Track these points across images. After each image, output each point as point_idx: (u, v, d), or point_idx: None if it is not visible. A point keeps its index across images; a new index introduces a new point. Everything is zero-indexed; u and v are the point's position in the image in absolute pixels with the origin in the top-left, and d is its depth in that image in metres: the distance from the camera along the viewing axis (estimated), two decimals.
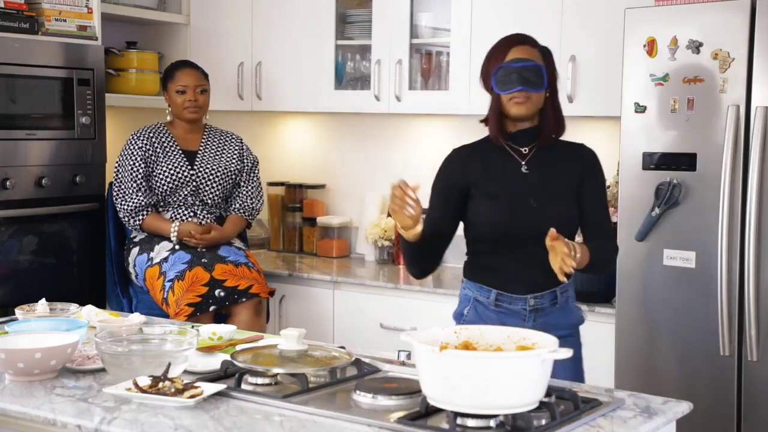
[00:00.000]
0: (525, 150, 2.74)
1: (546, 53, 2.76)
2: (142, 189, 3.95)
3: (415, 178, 4.49)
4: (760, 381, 3.17)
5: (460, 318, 2.81)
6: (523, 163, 2.73)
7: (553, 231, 2.46)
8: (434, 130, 4.58)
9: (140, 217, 3.97)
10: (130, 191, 3.95)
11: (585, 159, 2.79)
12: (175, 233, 3.93)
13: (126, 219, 4.00)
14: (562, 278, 2.47)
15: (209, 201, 4.04)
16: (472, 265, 2.82)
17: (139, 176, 3.95)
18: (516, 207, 2.69)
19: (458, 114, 4.21)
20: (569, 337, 2.71)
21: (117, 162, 4.01)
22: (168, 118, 4.09)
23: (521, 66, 2.65)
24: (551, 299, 2.72)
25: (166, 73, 4.09)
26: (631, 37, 3.30)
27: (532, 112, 2.69)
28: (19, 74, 3.91)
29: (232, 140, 4.16)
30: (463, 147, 2.84)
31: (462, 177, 2.76)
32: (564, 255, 2.44)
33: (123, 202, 3.97)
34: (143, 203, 3.95)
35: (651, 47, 3.26)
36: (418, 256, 2.74)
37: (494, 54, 2.74)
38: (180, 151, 4.02)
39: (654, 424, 2.00)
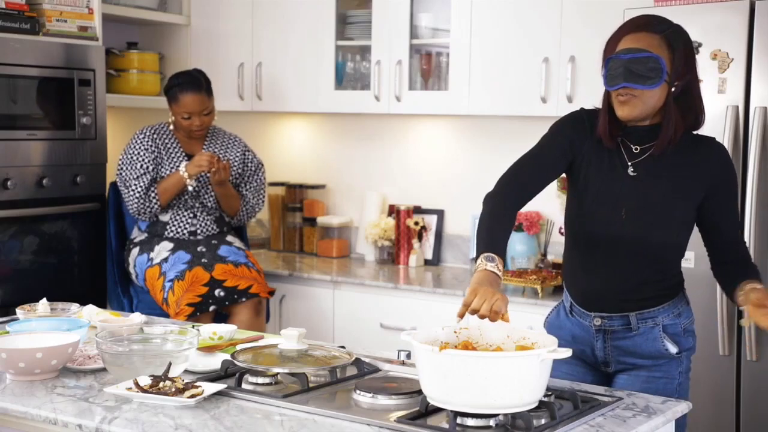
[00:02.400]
0: (637, 149, 2.34)
1: (674, 39, 2.29)
2: (149, 173, 3.94)
3: (415, 178, 4.48)
4: (758, 380, 3.18)
5: (547, 321, 2.57)
6: (630, 164, 2.35)
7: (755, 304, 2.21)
8: (434, 131, 4.58)
9: (153, 193, 3.93)
10: (138, 177, 3.92)
11: (713, 162, 2.35)
12: (185, 173, 3.90)
13: (140, 205, 3.93)
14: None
15: (209, 203, 4.04)
16: (564, 262, 2.53)
17: (146, 164, 3.93)
18: (603, 214, 2.35)
19: (458, 114, 4.22)
20: (652, 367, 2.40)
21: (120, 158, 4.00)
22: (171, 127, 4.07)
23: (630, 57, 2.24)
24: (623, 324, 2.38)
25: (170, 89, 4.00)
26: None
27: (642, 112, 2.29)
28: (20, 74, 3.91)
29: (236, 143, 4.15)
30: (590, 114, 2.42)
31: (573, 145, 2.39)
32: None
33: (133, 189, 3.92)
34: (150, 182, 3.93)
35: None
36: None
37: (609, 41, 2.34)
38: (183, 154, 4.02)
39: (653, 423, 2.00)
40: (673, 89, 2.29)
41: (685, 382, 2.44)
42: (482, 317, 2.03)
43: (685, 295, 2.47)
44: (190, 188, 3.93)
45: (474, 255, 4.33)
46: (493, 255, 2.17)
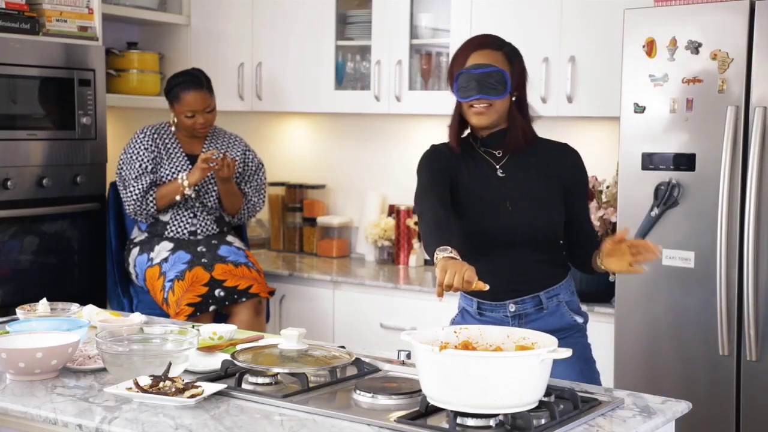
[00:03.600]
0: (499, 153, 2.64)
1: (512, 55, 2.62)
2: (148, 175, 3.94)
3: (415, 178, 4.51)
4: (758, 380, 3.18)
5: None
6: (497, 166, 2.64)
7: (624, 231, 2.47)
8: (434, 131, 4.56)
9: (151, 196, 3.94)
10: (136, 177, 3.93)
11: (569, 161, 2.68)
12: (185, 181, 3.90)
13: (136, 207, 3.94)
14: (638, 270, 2.45)
15: (209, 203, 4.05)
16: None
17: (145, 164, 3.94)
18: (491, 211, 2.60)
19: None
20: (564, 339, 2.59)
21: (121, 158, 4.01)
22: (173, 128, 4.07)
23: (481, 72, 2.53)
24: (535, 305, 2.63)
25: (171, 89, 4.00)
26: (631, 38, 3.31)
27: (494, 120, 2.58)
28: (20, 75, 3.92)
29: (236, 143, 4.15)
30: (442, 144, 2.73)
31: (448, 165, 2.65)
32: (645, 249, 2.42)
33: (131, 191, 3.93)
34: (149, 185, 3.94)
35: (650, 48, 3.27)
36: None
37: (457, 58, 2.61)
38: (183, 155, 4.02)
39: (653, 423, 2.00)
40: (513, 98, 2.60)
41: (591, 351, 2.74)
42: (456, 290, 2.18)
43: (572, 276, 2.73)
44: (188, 191, 3.92)
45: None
46: (445, 246, 2.32)
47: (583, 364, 2.64)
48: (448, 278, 2.18)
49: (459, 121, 2.66)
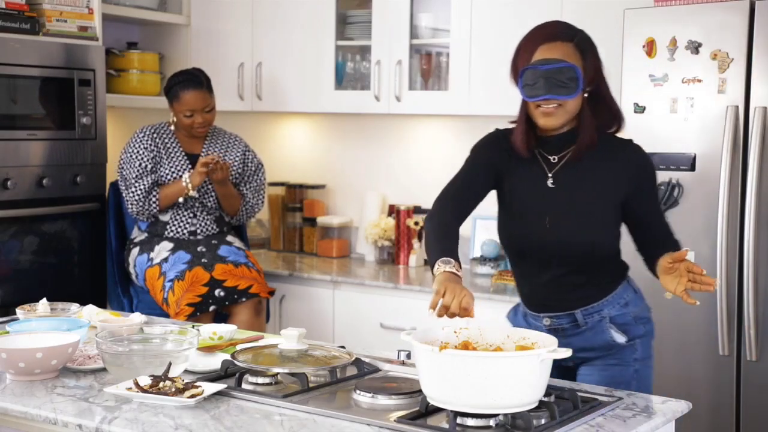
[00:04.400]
0: (554, 159, 2.41)
1: (584, 46, 2.35)
2: (149, 174, 3.94)
3: (415, 178, 4.47)
4: (758, 380, 3.18)
5: (507, 318, 2.65)
6: (549, 175, 2.41)
7: (684, 252, 2.24)
8: (434, 131, 4.59)
9: (154, 197, 3.93)
10: (138, 177, 3.93)
11: (632, 161, 2.42)
12: (189, 183, 3.90)
13: (139, 207, 3.93)
14: (691, 301, 2.24)
15: (209, 203, 4.04)
16: (512, 270, 2.61)
17: (145, 163, 3.94)
18: (529, 224, 2.42)
19: (458, 114, 4.22)
20: (606, 356, 2.46)
21: (121, 157, 4.01)
22: (172, 128, 4.07)
23: (549, 68, 2.28)
24: (571, 321, 2.46)
25: (171, 88, 4.00)
26: (631, 38, 3.31)
27: (564, 120, 2.35)
28: (20, 75, 3.92)
29: (236, 143, 4.15)
30: (504, 134, 2.48)
31: (494, 162, 2.46)
32: (702, 280, 2.21)
33: (133, 191, 3.93)
34: (152, 184, 3.94)
35: (650, 48, 3.27)
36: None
37: (521, 51, 2.37)
38: (183, 154, 4.02)
39: (653, 423, 2.00)
40: (585, 94, 2.35)
41: (644, 369, 2.49)
42: (452, 316, 2.08)
43: (631, 284, 2.52)
44: (192, 193, 3.92)
45: (472, 256, 4.35)
46: (449, 258, 2.22)
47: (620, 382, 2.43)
48: (446, 300, 2.08)
49: (526, 120, 2.39)
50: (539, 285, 2.47)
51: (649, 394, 2.43)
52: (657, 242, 2.42)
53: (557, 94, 2.29)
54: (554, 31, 2.36)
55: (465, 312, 2.08)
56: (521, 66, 2.34)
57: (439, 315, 2.09)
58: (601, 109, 2.41)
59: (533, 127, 2.40)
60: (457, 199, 2.44)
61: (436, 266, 2.22)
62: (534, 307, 2.51)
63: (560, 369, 2.48)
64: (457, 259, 2.24)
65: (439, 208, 2.42)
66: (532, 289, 2.51)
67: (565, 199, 2.39)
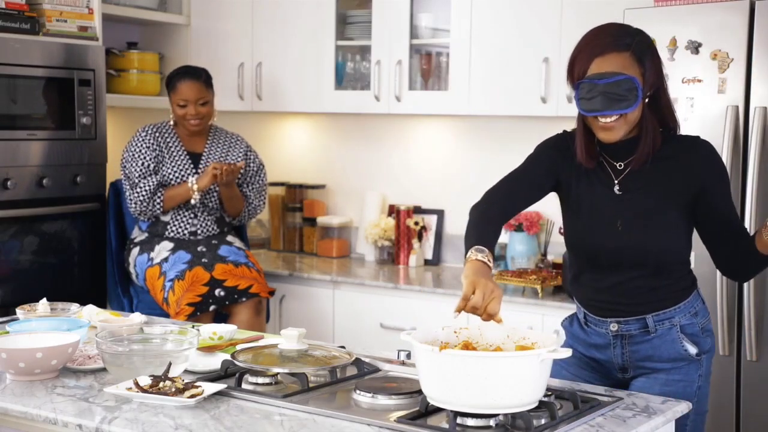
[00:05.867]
0: (620, 165, 2.33)
1: (642, 52, 2.23)
2: (153, 173, 3.95)
3: (415, 178, 4.48)
4: (758, 380, 3.18)
5: (563, 326, 2.55)
6: (616, 182, 2.33)
7: None
8: (434, 131, 4.59)
9: (159, 198, 3.94)
10: (142, 177, 3.93)
11: (699, 159, 2.31)
12: (195, 185, 3.91)
13: (143, 207, 3.94)
14: None
15: (210, 204, 4.04)
16: (572, 274, 2.51)
17: (148, 162, 3.94)
18: (600, 230, 2.34)
19: (458, 114, 4.22)
20: (671, 371, 2.36)
21: (123, 156, 4.01)
22: (172, 123, 4.07)
23: (605, 83, 2.18)
24: (640, 327, 2.35)
25: (169, 80, 4.04)
26: None
27: (625, 132, 2.25)
28: (20, 74, 3.92)
29: (238, 143, 4.15)
30: (570, 138, 2.40)
31: (557, 167, 2.40)
32: None
33: (138, 191, 3.93)
34: (157, 185, 3.94)
35: None
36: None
37: (576, 62, 2.26)
38: (185, 153, 4.02)
39: (653, 423, 2.00)
40: (646, 100, 2.26)
41: (705, 386, 2.40)
42: (477, 314, 2.05)
43: (699, 295, 2.45)
44: (193, 201, 3.93)
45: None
46: (483, 247, 2.17)
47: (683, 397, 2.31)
48: (475, 301, 2.02)
49: (585, 132, 2.30)
50: (609, 289, 2.36)
51: (705, 412, 2.41)
52: (737, 238, 2.32)
53: (616, 108, 2.19)
54: (609, 41, 2.24)
55: (489, 318, 2.04)
56: (577, 78, 2.24)
57: (459, 310, 2.05)
58: (661, 108, 2.31)
59: (593, 137, 2.31)
60: (509, 195, 2.39)
61: (470, 252, 2.17)
62: (600, 312, 2.39)
63: (614, 381, 2.41)
64: (492, 250, 2.19)
65: (487, 200, 2.37)
66: (600, 293, 2.38)
67: (633, 203, 2.31)
